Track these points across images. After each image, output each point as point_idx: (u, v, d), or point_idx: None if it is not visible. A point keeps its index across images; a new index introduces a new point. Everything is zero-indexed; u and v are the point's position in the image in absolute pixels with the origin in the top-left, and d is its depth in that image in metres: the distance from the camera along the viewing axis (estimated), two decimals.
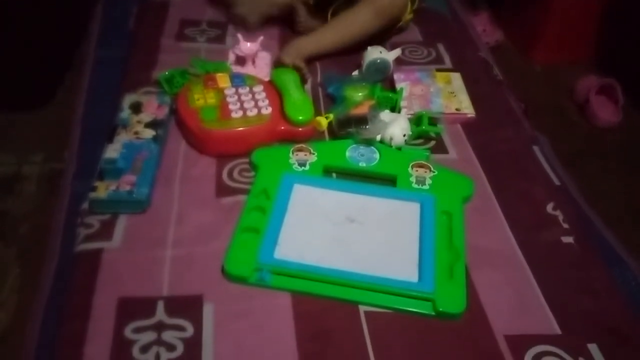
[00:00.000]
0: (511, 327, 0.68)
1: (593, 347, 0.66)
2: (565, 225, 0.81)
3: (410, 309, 0.68)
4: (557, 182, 0.89)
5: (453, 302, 0.68)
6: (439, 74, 1.06)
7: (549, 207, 0.83)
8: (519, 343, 0.66)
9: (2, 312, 1.18)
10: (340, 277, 0.70)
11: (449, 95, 1.01)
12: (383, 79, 1.04)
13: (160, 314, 0.66)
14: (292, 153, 0.86)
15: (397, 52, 1.05)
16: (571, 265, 0.76)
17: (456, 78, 1.05)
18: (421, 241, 0.75)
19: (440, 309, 0.67)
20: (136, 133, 0.86)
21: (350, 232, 0.77)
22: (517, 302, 0.70)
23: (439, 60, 1.13)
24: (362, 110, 0.89)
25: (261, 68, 1.03)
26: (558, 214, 0.82)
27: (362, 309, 0.68)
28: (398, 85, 1.01)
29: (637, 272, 0.78)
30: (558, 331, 0.68)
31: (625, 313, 0.71)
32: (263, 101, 0.91)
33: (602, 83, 1.74)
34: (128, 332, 0.64)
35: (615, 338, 0.68)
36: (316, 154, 0.86)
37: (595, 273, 0.75)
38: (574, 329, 0.68)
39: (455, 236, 0.75)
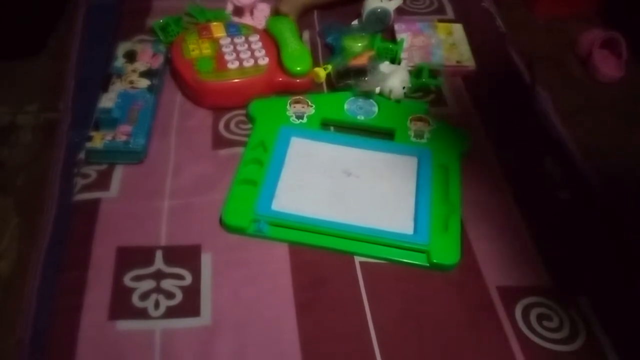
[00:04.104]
0: (503, 279, 0.69)
1: (583, 300, 0.68)
2: (562, 180, 0.81)
3: (405, 260, 0.69)
4: (555, 136, 0.89)
5: (447, 253, 0.69)
6: (440, 24, 1.04)
7: (546, 162, 0.83)
8: (511, 294, 0.67)
9: (3, 262, 1.19)
10: (336, 228, 0.70)
11: (450, 47, 0.99)
12: (383, 29, 1.01)
13: (159, 263, 0.67)
14: (290, 105, 0.85)
15: (398, 2, 1.02)
16: (565, 219, 0.77)
17: (458, 29, 1.03)
18: (417, 194, 0.76)
19: (435, 261, 0.68)
20: (131, 82, 0.85)
21: (347, 185, 0.77)
22: (511, 255, 0.72)
23: (441, 10, 1.11)
24: (362, 61, 0.87)
25: (259, 20, 1.00)
26: (555, 168, 0.82)
27: (358, 259, 0.69)
28: (398, 36, 0.99)
29: (630, 225, 0.79)
30: (550, 284, 0.69)
31: (616, 267, 0.72)
32: (260, 51, 0.89)
33: (605, 37, 1.70)
34: (127, 280, 0.65)
35: (605, 291, 0.69)
36: (314, 106, 0.85)
37: (588, 227, 0.76)
38: (566, 281, 0.69)
39: (451, 189, 0.76)
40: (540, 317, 0.65)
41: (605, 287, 0.70)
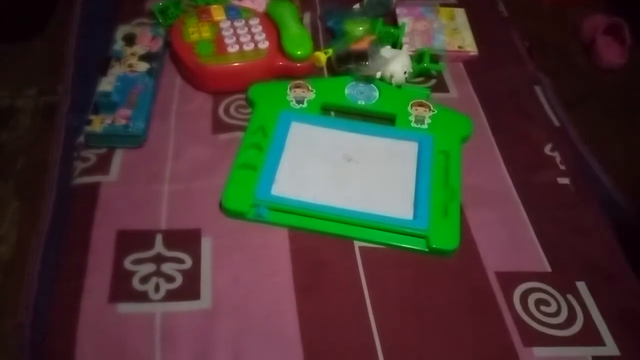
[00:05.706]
0: (502, 264, 0.69)
1: (581, 285, 0.68)
2: (562, 167, 0.81)
3: (405, 245, 0.69)
4: (556, 123, 0.89)
5: (446, 239, 0.69)
6: (442, 9, 1.03)
7: (547, 148, 0.83)
8: (509, 279, 0.68)
9: (3, 245, 1.20)
10: (336, 213, 0.70)
11: (452, 32, 0.98)
12: (385, 13, 1.01)
13: (159, 246, 0.67)
14: (290, 89, 0.85)
15: None
16: (565, 206, 0.77)
17: (460, 14, 1.02)
18: (417, 180, 0.76)
19: (434, 246, 0.69)
20: (130, 66, 0.84)
21: (347, 171, 0.77)
22: (510, 240, 0.72)
23: None
24: (363, 45, 0.86)
25: (260, 4, 0.99)
26: (556, 155, 0.82)
27: (357, 244, 0.69)
28: (400, 20, 0.98)
29: (629, 213, 0.79)
30: (548, 269, 0.69)
31: (614, 253, 0.73)
32: (260, 35, 0.88)
33: (609, 23, 1.69)
34: (127, 263, 0.66)
35: (603, 277, 0.69)
36: (314, 90, 0.85)
37: (588, 214, 0.76)
38: (564, 267, 0.70)
39: (451, 175, 0.75)
40: (538, 302, 0.66)
41: (603, 273, 0.70)
